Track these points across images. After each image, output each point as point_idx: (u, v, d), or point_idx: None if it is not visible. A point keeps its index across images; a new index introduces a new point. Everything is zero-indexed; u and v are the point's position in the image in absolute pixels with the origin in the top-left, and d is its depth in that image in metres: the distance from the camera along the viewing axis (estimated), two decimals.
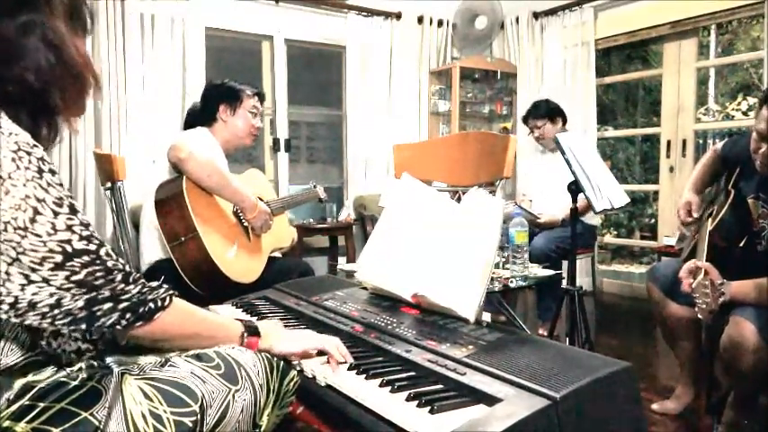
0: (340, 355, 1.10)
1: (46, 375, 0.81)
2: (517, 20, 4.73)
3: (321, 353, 1.12)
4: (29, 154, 0.75)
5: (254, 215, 2.16)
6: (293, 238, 2.61)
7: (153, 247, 2.14)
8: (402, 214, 1.55)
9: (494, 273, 1.86)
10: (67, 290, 0.77)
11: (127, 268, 0.84)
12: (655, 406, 2.16)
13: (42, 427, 0.76)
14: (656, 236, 4.41)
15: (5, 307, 0.75)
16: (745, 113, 6.19)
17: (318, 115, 5.02)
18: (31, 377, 0.80)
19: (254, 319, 1.43)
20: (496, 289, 1.83)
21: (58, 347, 0.83)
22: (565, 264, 2.89)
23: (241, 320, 1.07)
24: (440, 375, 1.01)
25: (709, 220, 1.85)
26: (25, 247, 0.74)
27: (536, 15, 4.62)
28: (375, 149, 4.51)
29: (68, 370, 0.83)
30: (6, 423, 0.76)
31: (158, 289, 0.88)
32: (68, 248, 0.76)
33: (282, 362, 1.04)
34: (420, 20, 4.69)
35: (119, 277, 0.82)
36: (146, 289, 0.85)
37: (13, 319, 0.77)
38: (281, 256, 2.54)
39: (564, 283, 2.28)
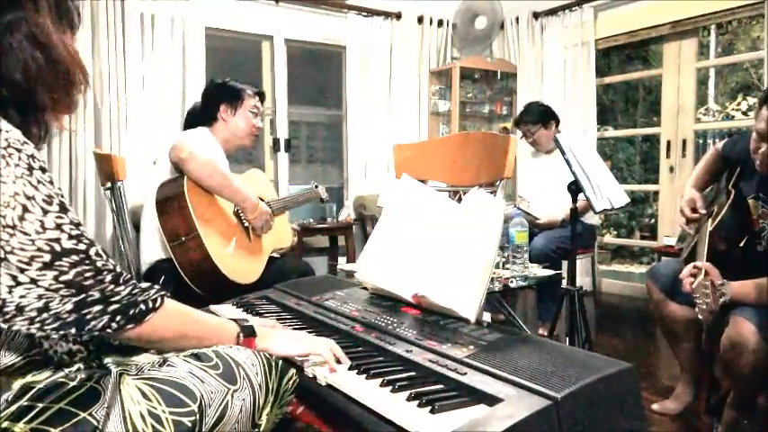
0: (333, 358, 1.08)
1: (44, 376, 0.81)
2: (517, 20, 4.73)
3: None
4: (18, 151, 0.75)
5: (254, 215, 2.16)
6: (293, 239, 2.61)
7: (153, 247, 2.14)
8: (402, 214, 1.55)
9: (494, 273, 1.86)
10: (56, 291, 0.76)
11: (117, 268, 0.83)
12: (655, 406, 2.16)
13: (41, 427, 0.76)
14: (656, 236, 4.41)
15: None
16: (745, 113, 6.20)
17: (318, 115, 5.02)
18: (29, 378, 0.80)
19: (254, 318, 1.43)
20: (496, 289, 1.82)
21: (49, 348, 0.83)
22: (565, 264, 2.89)
23: (236, 320, 1.06)
24: (440, 375, 1.00)
25: (710, 220, 1.85)
26: (13, 246, 0.73)
27: (536, 15, 4.62)
28: (375, 149, 4.51)
29: (67, 371, 0.83)
30: (5, 424, 0.76)
31: (149, 290, 0.86)
32: (57, 247, 0.76)
33: (281, 361, 1.03)
34: (420, 20, 4.69)
35: (108, 278, 0.80)
36: (136, 290, 0.84)
37: (1, 325, 0.76)
38: (279, 256, 2.54)
39: (564, 283, 2.28)
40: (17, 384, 0.79)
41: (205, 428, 0.87)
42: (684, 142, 4.08)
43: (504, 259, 2.00)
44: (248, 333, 1.04)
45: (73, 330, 0.78)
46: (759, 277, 1.62)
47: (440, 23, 4.78)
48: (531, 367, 0.96)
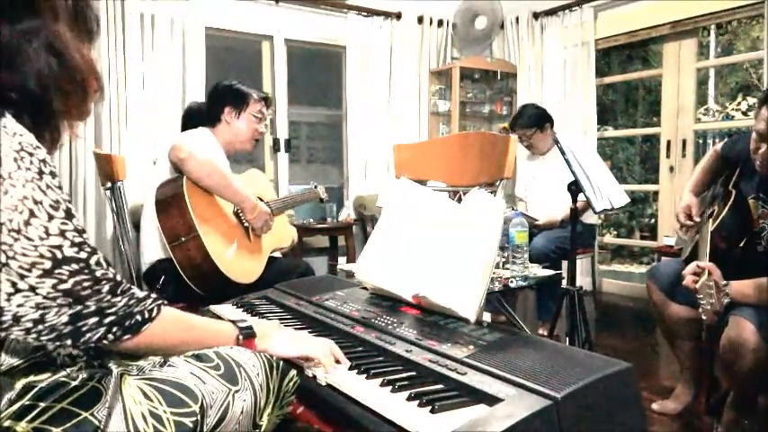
0: (330, 361, 1.08)
1: (46, 375, 0.81)
2: (517, 20, 4.73)
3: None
4: (31, 155, 0.75)
5: (254, 215, 2.16)
6: (293, 239, 2.61)
7: (153, 247, 2.15)
8: (402, 214, 1.55)
9: (494, 273, 1.86)
10: (53, 299, 0.75)
11: (117, 278, 0.82)
12: (655, 406, 2.16)
13: (43, 426, 0.76)
14: (656, 236, 4.41)
15: None
16: (744, 113, 6.20)
17: (318, 115, 5.02)
18: (31, 377, 0.80)
19: (254, 318, 1.43)
20: (496, 289, 1.83)
21: (53, 351, 0.83)
22: (565, 264, 2.89)
23: (235, 322, 1.06)
24: (440, 375, 1.01)
25: (710, 220, 1.85)
26: (16, 251, 0.73)
27: (536, 15, 4.62)
28: (375, 149, 4.51)
29: (68, 370, 0.83)
30: (7, 423, 0.76)
31: (145, 300, 0.86)
32: (58, 254, 0.75)
33: (282, 361, 1.03)
34: (420, 20, 4.69)
35: (105, 288, 0.80)
36: (132, 301, 0.84)
37: None
38: (281, 256, 2.54)
39: (564, 283, 2.28)
40: (19, 384, 0.79)
41: (206, 429, 0.87)
42: (684, 142, 4.08)
43: (504, 259, 2.00)
44: (247, 335, 1.04)
45: (69, 342, 0.78)
46: (759, 277, 1.62)
47: (440, 23, 4.78)
48: (531, 367, 0.96)
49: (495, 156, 2.14)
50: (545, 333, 2.89)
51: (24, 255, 0.73)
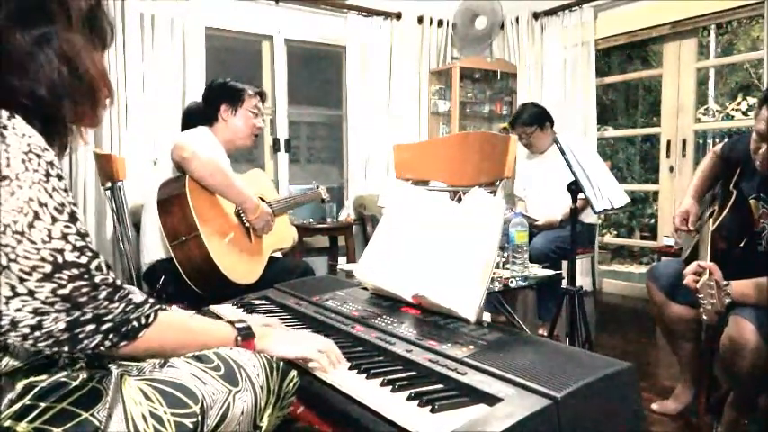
0: (329, 363, 1.08)
1: (47, 376, 0.81)
2: (517, 20, 4.73)
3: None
4: (39, 157, 0.75)
5: (255, 216, 2.16)
6: (294, 239, 2.61)
7: (153, 247, 2.15)
8: (403, 215, 1.55)
9: (494, 273, 1.86)
10: (51, 304, 0.75)
11: (117, 283, 0.82)
12: (655, 406, 2.16)
13: (43, 426, 0.76)
14: (656, 236, 4.41)
15: None
16: (744, 113, 6.20)
17: (318, 115, 5.02)
18: (32, 378, 0.80)
19: (253, 317, 1.43)
20: (496, 289, 1.83)
21: (53, 353, 0.83)
22: (565, 264, 2.89)
23: (233, 323, 1.05)
24: (440, 375, 1.01)
25: (710, 220, 1.85)
26: (18, 254, 0.73)
27: (536, 15, 4.62)
28: (375, 149, 4.51)
29: (69, 371, 0.83)
30: (8, 423, 0.76)
31: (143, 305, 0.86)
32: (59, 258, 0.75)
33: (282, 362, 1.03)
34: (420, 20, 4.69)
35: (103, 294, 0.80)
36: (129, 307, 0.83)
37: None
38: (281, 256, 2.54)
39: (564, 283, 2.28)
40: (20, 384, 0.79)
41: (207, 430, 0.87)
42: (684, 142, 4.08)
43: (504, 259, 2.00)
44: (245, 335, 1.04)
45: (66, 348, 0.78)
46: (759, 277, 1.62)
47: (440, 23, 4.78)
48: (531, 367, 0.96)
49: (495, 156, 2.14)
50: (545, 333, 2.89)
51: (26, 258, 0.73)
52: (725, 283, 1.57)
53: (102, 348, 0.81)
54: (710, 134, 6.01)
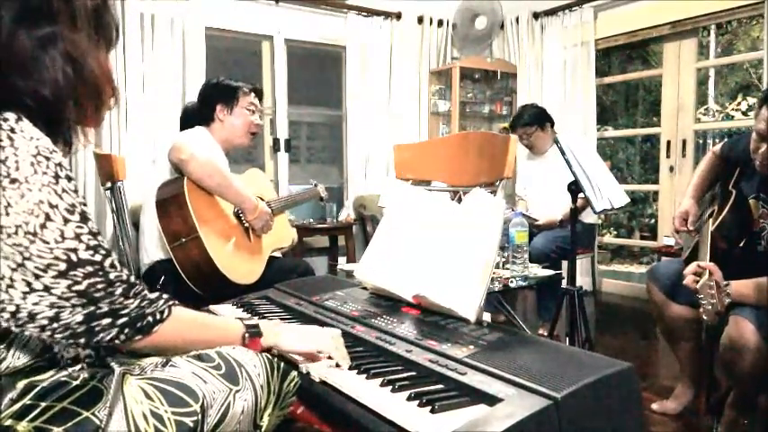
0: (339, 354, 1.09)
1: (48, 375, 0.81)
2: (517, 20, 4.73)
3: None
4: (47, 159, 0.76)
5: (254, 216, 2.16)
6: (294, 239, 2.61)
7: (153, 248, 2.15)
8: (403, 215, 1.55)
9: (494, 273, 1.86)
10: (67, 299, 0.76)
11: (131, 279, 0.84)
12: (655, 406, 2.16)
13: (44, 426, 0.76)
14: (656, 236, 4.41)
15: (6, 315, 0.75)
16: (744, 113, 6.20)
17: (318, 115, 5.02)
18: (33, 377, 0.81)
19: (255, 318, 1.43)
20: (496, 289, 1.83)
21: (57, 353, 0.83)
22: (565, 264, 2.89)
23: (242, 320, 1.07)
24: (440, 375, 1.01)
25: (710, 220, 1.85)
26: (32, 253, 0.74)
27: (536, 15, 4.62)
28: (375, 149, 4.51)
29: (70, 370, 0.83)
30: (9, 422, 0.76)
31: (158, 301, 0.88)
32: (73, 257, 0.76)
33: (283, 362, 1.04)
34: (420, 20, 4.69)
35: (119, 290, 0.81)
36: (144, 302, 0.85)
37: (14, 329, 0.77)
38: (281, 255, 2.54)
39: (564, 283, 2.28)
40: (21, 384, 0.79)
41: (207, 428, 0.87)
42: (684, 142, 4.08)
43: (504, 259, 2.01)
44: (254, 333, 1.05)
45: (83, 340, 0.80)
46: (759, 277, 1.62)
47: (440, 23, 4.78)
48: (531, 367, 0.96)
49: (495, 156, 2.14)
50: (545, 333, 2.89)
51: (40, 257, 0.74)
52: (725, 283, 1.57)
53: (117, 342, 0.83)
54: (710, 134, 6.00)
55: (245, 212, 2.16)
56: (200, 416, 0.86)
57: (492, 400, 0.89)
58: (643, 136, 6.79)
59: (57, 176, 0.76)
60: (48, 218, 0.75)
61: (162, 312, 0.88)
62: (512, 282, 1.87)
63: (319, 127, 5.21)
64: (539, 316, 3.28)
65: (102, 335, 0.80)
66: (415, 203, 1.54)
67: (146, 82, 3.66)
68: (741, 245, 1.81)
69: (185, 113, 2.62)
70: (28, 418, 0.76)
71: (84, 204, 0.80)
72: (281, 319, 1.44)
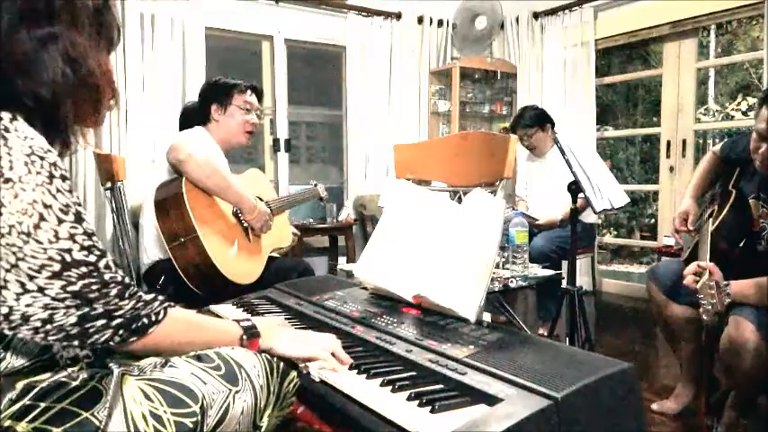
0: (334, 362, 1.07)
1: (47, 375, 0.81)
2: (517, 20, 4.73)
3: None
4: (42, 159, 0.75)
5: (253, 216, 2.16)
6: (293, 239, 2.61)
7: (153, 248, 2.14)
8: (403, 214, 1.55)
9: (494, 273, 1.86)
10: (62, 300, 0.76)
11: (126, 281, 0.83)
12: (655, 406, 2.16)
13: (43, 426, 0.76)
14: (656, 236, 4.41)
15: None
16: (744, 113, 6.20)
17: (318, 115, 5.02)
18: (32, 377, 0.80)
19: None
20: (496, 289, 1.83)
21: (56, 354, 0.83)
22: (565, 264, 2.89)
23: (239, 322, 1.06)
24: (440, 375, 1.00)
25: (710, 220, 1.85)
26: (26, 253, 0.73)
27: (536, 15, 4.62)
28: (375, 149, 4.51)
29: (69, 370, 0.83)
30: (8, 422, 0.76)
31: (153, 302, 0.87)
32: (67, 258, 0.76)
33: (283, 363, 1.03)
34: (420, 20, 4.69)
35: (113, 292, 0.81)
36: (140, 304, 0.85)
37: (7, 331, 0.76)
38: (280, 256, 2.54)
39: (564, 283, 2.28)
40: (20, 384, 0.79)
41: (206, 429, 0.87)
42: (684, 142, 4.08)
43: (504, 259, 2.01)
44: (252, 334, 1.04)
45: (76, 342, 0.79)
46: (759, 277, 1.62)
47: (440, 23, 4.78)
48: (531, 367, 0.96)
49: (495, 156, 2.14)
50: (545, 333, 2.89)
51: (34, 257, 0.74)
52: (724, 283, 1.57)
53: (111, 343, 0.82)
54: (710, 134, 6.01)
55: (244, 212, 2.15)
56: (199, 417, 0.86)
57: (492, 400, 0.89)
58: (643, 136, 6.79)
59: (51, 176, 0.76)
60: (41, 218, 0.74)
61: (157, 314, 0.87)
62: (512, 282, 1.87)
63: (319, 127, 5.21)
64: (539, 316, 3.28)
65: (96, 336, 0.80)
66: (415, 203, 1.54)
67: (146, 82, 3.66)
68: (741, 245, 1.80)
69: (184, 113, 2.62)
70: (27, 419, 0.76)
71: (80, 205, 0.79)
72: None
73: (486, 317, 1.27)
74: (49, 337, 0.77)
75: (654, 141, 5.99)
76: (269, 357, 1.01)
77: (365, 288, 1.59)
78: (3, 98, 0.77)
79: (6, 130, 0.74)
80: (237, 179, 2.18)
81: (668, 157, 4.19)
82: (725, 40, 6.49)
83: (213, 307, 1.61)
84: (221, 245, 2.04)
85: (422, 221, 1.48)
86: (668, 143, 4.18)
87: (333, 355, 1.08)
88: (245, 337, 1.03)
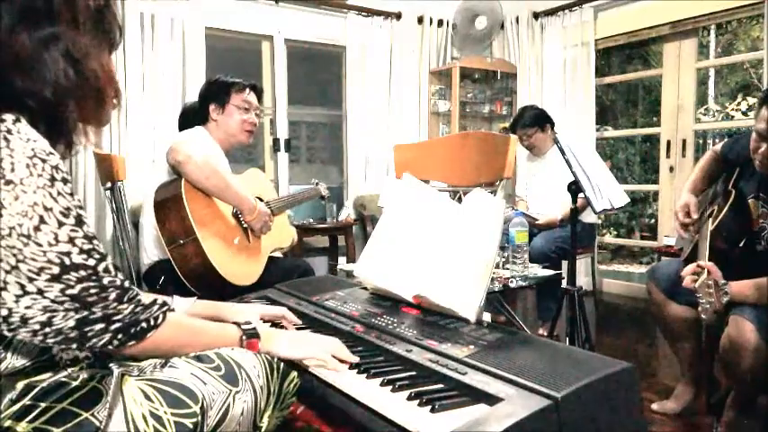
0: (334, 363, 1.07)
1: (47, 376, 0.81)
2: (517, 20, 4.73)
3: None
4: (43, 161, 0.75)
5: (253, 217, 2.15)
6: (293, 239, 2.61)
7: (153, 248, 2.14)
8: (403, 214, 1.55)
9: (494, 273, 1.86)
10: (61, 303, 0.76)
11: (125, 285, 0.83)
12: (655, 406, 2.16)
13: (43, 426, 0.76)
14: (656, 236, 4.41)
15: None
16: (744, 113, 6.21)
17: (318, 115, 5.02)
18: (32, 378, 0.80)
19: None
20: (496, 289, 1.83)
21: (56, 354, 0.83)
22: (565, 264, 2.89)
23: (238, 324, 1.06)
24: (440, 375, 1.01)
25: (710, 220, 1.85)
26: (26, 255, 0.73)
27: (536, 15, 4.62)
28: (375, 149, 4.51)
29: (69, 370, 0.83)
30: (8, 423, 0.76)
31: (151, 307, 0.87)
32: (67, 261, 0.76)
33: (283, 363, 1.03)
34: (420, 20, 4.69)
35: (112, 295, 0.81)
36: (138, 308, 0.84)
37: (6, 333, 0.76)
38: (281, 255, 2.54)
39: (564, 283, 2.28)
40: (20, 384, 0.79)
41: (207, 430, 0.87)
42: (684, 142, 4.08)
43: (504, 259, 2.01)
44: (251, 336, 1.04)
45: (75, 345, 0.79)
46: (759, 277, 1.62)
47: (440, 23, 4.78)
48: (531, 367, 0.96)
49: (495, 156, 2.14)
50: (545, 333, 2.89)
51: (33, 259, 0.74)
52: (723, 282, 1.57)
53: (110, 347, 0.82)
54: (710, 134, 6.01)
55: (244, 213, 2.15)
56: (199, 417, 0.86)
57: (492, 399, 0.89)
58: (643, 136, 6.79)
59: (52, 179, 0.76)
60: (42, 220, 0.74)
61: (156, 318, 0.87)
62: (512, 282, 1.87)
63: (319, 127, 5.21)
64: (539, 316, 3.27)
65: (94, 340, 0.80)
66: (415, 203, 1.54)
67: (146, 82, 3.65)
68: (741, 245, 1.80)
69: (184, 113, 2.62)
70: (27, 419, 0.76)
71: (81, 208, 0.79)
72: None
73: (486, 317, 1.27)
74: (48, 340, 0.77)
75: (654, 141, 6.00)
76: (269, 358, 1.01)
77: (365, 288, 1.59)
78: (5, 99, 0.77)
79: (9, 132, 0.74)
80: (237, 179, 2.18)
81: (668, 157, 4.19)
82: (725, 40, 6.49)
83: None
84: (221, 247, 2.04)
85: (422, 221, 1.48)
86: (668, 143, 4.18)
87: (334, 356, 1.08)
88: (244, 338, 1.03)
